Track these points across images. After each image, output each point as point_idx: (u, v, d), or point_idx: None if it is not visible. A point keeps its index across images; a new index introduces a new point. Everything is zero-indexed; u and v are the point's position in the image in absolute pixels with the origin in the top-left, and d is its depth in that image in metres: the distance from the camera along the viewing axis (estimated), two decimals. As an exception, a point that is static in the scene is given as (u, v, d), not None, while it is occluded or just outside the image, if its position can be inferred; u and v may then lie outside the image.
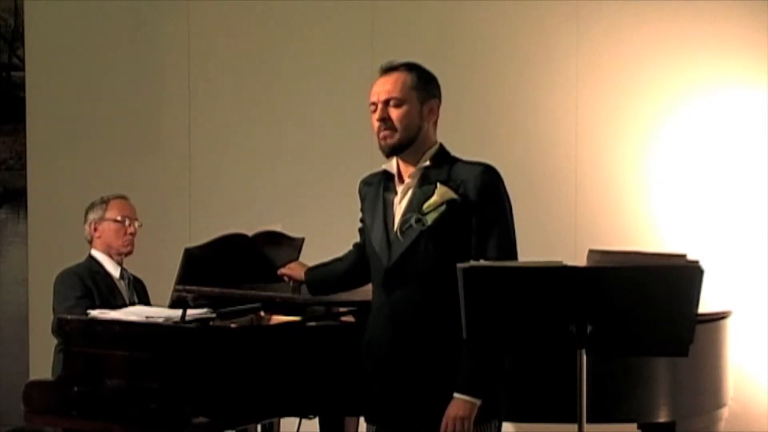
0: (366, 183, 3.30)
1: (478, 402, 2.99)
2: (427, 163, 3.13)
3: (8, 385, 5.65)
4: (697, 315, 2.74)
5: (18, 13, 6.23)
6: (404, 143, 3.12)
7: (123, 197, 4.50)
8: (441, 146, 3.18)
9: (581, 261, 3.03)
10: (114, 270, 4.42)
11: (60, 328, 3.66)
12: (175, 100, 5.77)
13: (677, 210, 5.03)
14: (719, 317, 3.82)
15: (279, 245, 3.89)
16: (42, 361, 4.79)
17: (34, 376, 5.11)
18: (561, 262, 2.76)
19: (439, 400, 3.01)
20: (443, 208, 3.04)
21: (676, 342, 2.78)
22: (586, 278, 2.75)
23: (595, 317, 2.74)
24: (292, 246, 3.96)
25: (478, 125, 5.18)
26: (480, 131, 5.16)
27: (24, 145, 6.10)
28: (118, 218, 4.41)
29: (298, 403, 3.62)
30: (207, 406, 3.42)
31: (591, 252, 2.98)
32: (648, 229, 5.04)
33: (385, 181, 3.21)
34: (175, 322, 3.50)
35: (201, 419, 3.41)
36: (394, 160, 3.19)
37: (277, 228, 3.94)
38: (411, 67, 3.20)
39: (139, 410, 3.43)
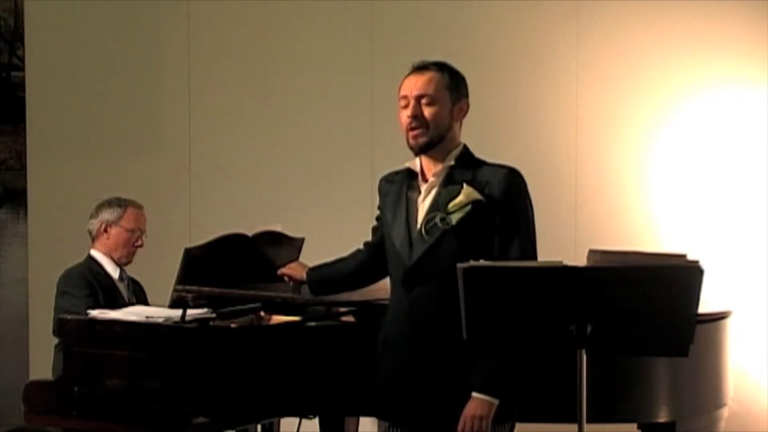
0: (388, 180, 3.29)
1: (496, 402, 3.00)
2: (452, 162, 3.15)
3: (8, 385, 5.65)
4: (697, 315, 2.75)
5: (18, 13, 6.23)
6: (434, 142, 3.14)
7: (140, 206, 4.48)
8: (465, 146, 3.21)
9: (581, 261, 3.04)
10: (113, 271, 4.41)
11: (60, 328, 3.66)
12: (175, 100, 5.77)
13: (677, 210, 5.03)
14: (719, 317, 3.82)
15: (279, 245, 3.89)
16: (42, 361, 4.79)
17: (34, 376, 5.11)
18: (561, 262, 2.77)
19: (456, 398, 3.02)
20: (468, 208, 3.06)
21: (676, 342, 2.78)
22: (586, 278, 2.75)
23: (595, 317, 2.74)
24: (292, 246, 3.96)
25: (477, 125, 5.15)
26: (480, 131, 5.12)
27: (24, 145, 6.10)
28: (133, 229, 4.41)
29: (298, 403, 3.62)
30: (207, 406, 3.43)
31: (591, 252, 2.98)
32: (648, 229, 5.04)
33: (409, 179, 3.22)
34: (175, 322, 3.50)
35: (201, 419, 3.41)
36: (417, 158, 3.20)
37: (277, 228, 3.94)
38: (443, 67, 3.22)
39: (139, 410, 3.43)
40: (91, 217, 4.44)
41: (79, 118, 5.94)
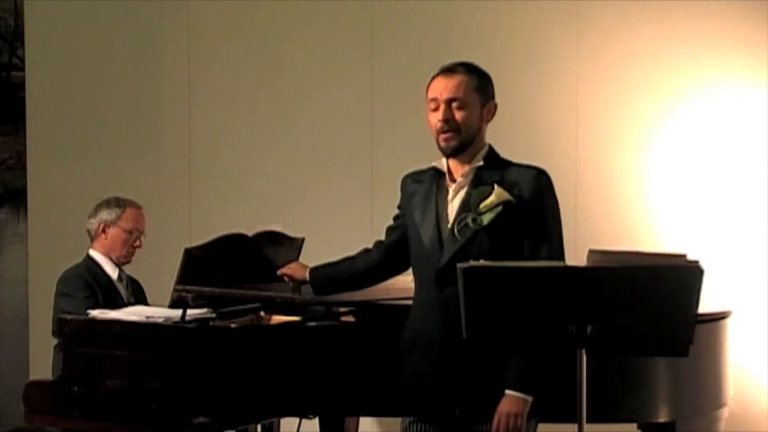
0: (415, 180, 3.31)
1: (530, 399, 3.04)
2: (481, 163, 3.18)
3: (8, 385, 5.64)
4: (697, 315, 2.75)
5: (18, 13, 6.23)
6: (465, 145, 3.18)
7: (138, 207, 4.46)
8: (490, 147, 3.24)
9: (581, 261, 3.04)
10: (112, 271, 4.40)
11: (60, 328, 3.66)
12: (175, 100, 5.77)
13: (677, 210, 5.03)
14: (719, 317, 3.82)
15: (279, 245, 3.89)
16: (42, 361, 4.79)
17: (34, 376, 5.11)
18: (561, 262, 2.77)
19: (488, 395, 3.06)
20: (499, 209, 3.10)
21: (676, 342, 2.78)
22: (586, 278, 2.75)
23: (595, 317, 2.74)
24: (292, 246, 3.96)
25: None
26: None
27: (24, 145, 6.10)
28: (131, 230, 4.39)
29: (298, 403, 3.62)
30: (207, 406, 3.43)
31: (591, 252, 2.97)
32: (648, 229, 5.04)
33: (437, 179, 3.24)
34: (175, 322, 3.50)
35: (201, 419, 3.41)
36: (443, 158, 3.23)
37: (277, 228, 3.94)
38: (471, 69, 3.25)
39: (139, 410, 3.43)
40: (90, 216, 4.44)
41: (79, 118, 5.94)
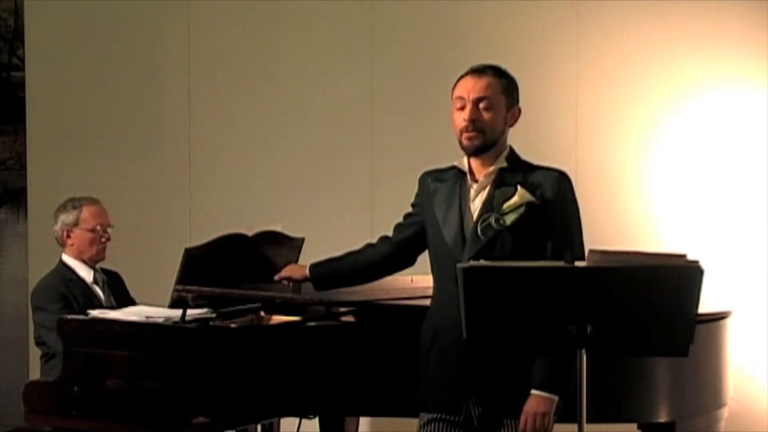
0: (436, 179, 3.33)
1: (556, 398, 3.08)
2: (504, 164, 3.22)
3: (8, 385, 5.64)
4: (697, 315, 2.75)
5: (18, 13, 6.23)
6: (487, 145, 3.22)
7: (95, 202, 4.38)
8: (512, 149, 3.28)
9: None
10: (87, 275, 4.34)
11: (60, 328, 3.65)
12: (175, 100, 5.77)
13: (677, 210, 5.03)
14: (719, 317, 3.82)
15: (279, 245, 3.90)
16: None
17: (34, 376, 5.10)
18: (561, 262, 2.77)
19: (511, 390, 3.10)
20: (523, 209, 3.14)
21: (677, 342, 2.78)
22: (586, 278, 2.75)
23: (595, 317, 2.74)
24: (292, 246, 3.96)
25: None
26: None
27: (24, 145, 6.10)
28: (94, 228, 4.31)
29: (298, 403, 3.62)
30: (207, 406, 3.43)
31: (591, 252, 2.99)
32: (648, 229, 5.03)
33: (460, 178, 3.26)
34: (175, 322, 3.50)
35: (201, 419, 3.41)
36: (465, 158, 3.26)
37: (277, 228, 3.94)
38: (500, 73, 3.29)
39: (139, 410, 3.43)
40: (53, 224, 4.36)
41: (79, 118, 5.94)
